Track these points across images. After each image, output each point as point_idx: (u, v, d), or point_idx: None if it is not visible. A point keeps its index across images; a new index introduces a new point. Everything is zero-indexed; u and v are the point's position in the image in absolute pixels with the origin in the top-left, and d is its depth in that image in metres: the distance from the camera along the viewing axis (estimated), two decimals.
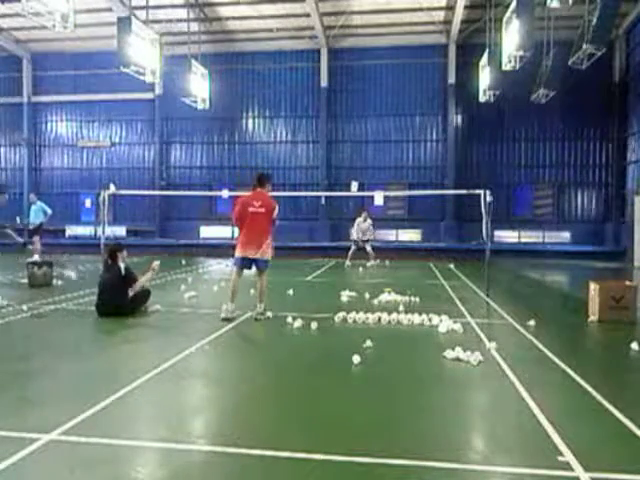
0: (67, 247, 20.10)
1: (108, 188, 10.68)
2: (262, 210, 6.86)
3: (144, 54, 16.63)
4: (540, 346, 5.51)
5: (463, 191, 14.34)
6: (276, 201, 7.15)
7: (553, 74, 16.38)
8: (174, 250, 19.77)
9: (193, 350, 5.21)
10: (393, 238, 21.77)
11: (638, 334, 6.04)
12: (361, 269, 14.37)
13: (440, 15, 20.31)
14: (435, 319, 6.62)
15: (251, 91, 23.17)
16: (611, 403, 3.73)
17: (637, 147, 19.00)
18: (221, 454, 2.96)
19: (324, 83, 22.25)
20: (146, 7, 17.81)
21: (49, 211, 13.41)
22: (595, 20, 12.41)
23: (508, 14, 15.42)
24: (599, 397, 3.88)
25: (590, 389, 4.07)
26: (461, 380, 4.42)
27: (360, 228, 15.31)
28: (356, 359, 4.76)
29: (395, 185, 22.15)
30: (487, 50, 18.61)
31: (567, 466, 2.80)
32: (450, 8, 19.48)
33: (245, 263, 6.92)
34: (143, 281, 7.36)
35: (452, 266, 15.16)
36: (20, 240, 8.73)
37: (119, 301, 6.98)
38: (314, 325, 6.36)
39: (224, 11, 20.74)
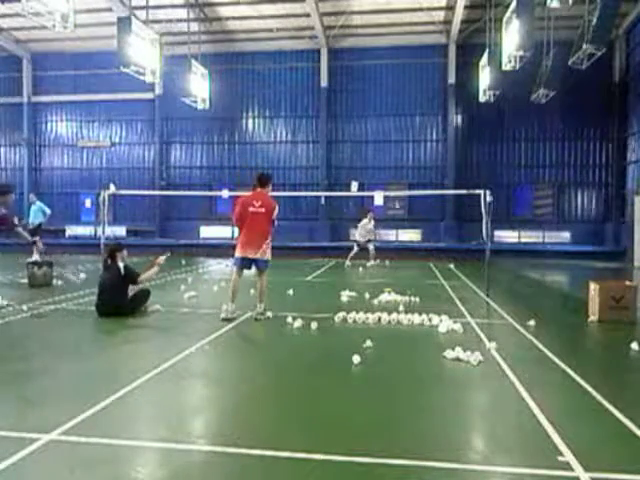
0: (67, 247, 20.10)
1: (108, 188, 10.68)
2: (262, 210, 6.86)
3: (144, 54, 16.63)
4: (540, 346, 5.51)
5: (463, 191, 14.35)
6: (276, 201, 7.15)
7: (553, 74, 16.38)
8: (174, 250, 19.70)
9: (193, 350, 5.21)
10: (393, 238, 21.77)
11: (638, 334, 6.04)
12: (361, 269, 14.37)
13: (440, 15, 20.31)
14: (435, 319, 6.62)
15: (251, 91, 23.17)
16: (611, 403, 3.73)
17: (637, 147, 19.00)
18: (221, 454, 2.96)
19: (324, 83, 22.25)
20: (146, 7, 17.82)
21: (48, 211, 13.40)
22: (595, 20, 12.41)
23: (508, 14, 15.42)
24: (599, 397, 3.88)
25: (590, 389, 4.07)
26: (461, 380, 4.42)
27: (365, 229, 15.33)
28: (356, 359, 4.76)
29: (395, 185, 22.16)
30: (487, 50, 18.61)
31: (567, 466, 2.80)
32: (450, 8, 19.48)
33: (245, 263, 6.92)
34: (148, 275, 7.35)
35: (452, 266, 15.16)
36: (30, 239, 8.72)
37: (119, 301, 6.98)
38: (314, 325, 6.36)
39: (224, 11, 20.75)
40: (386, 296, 8.65)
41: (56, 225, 22.32)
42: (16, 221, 8.11)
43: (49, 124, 24.65)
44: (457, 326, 6.25)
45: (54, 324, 6.64)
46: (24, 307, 7.43)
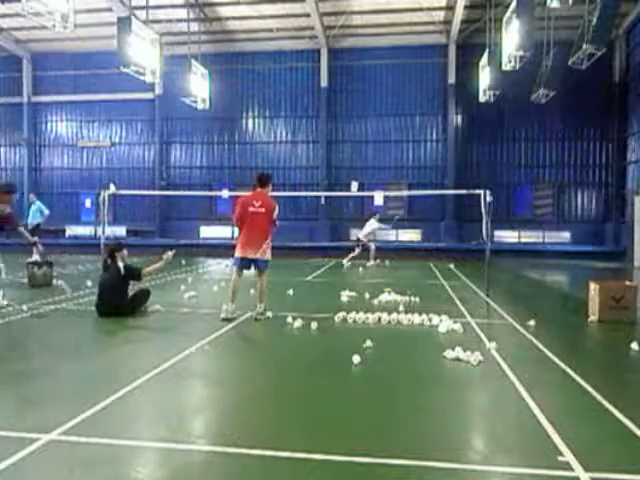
0: (67, 247, 20.09)
1: (108, 188, 10.68)
2: (262, 210, 6.85)
3: (144, 54, 16.63)
4: (540, 346, 5.51)
5: (463, 191, 14.35)
6: (276, 201, 7.15)
7: (553, 74, 16.38)
8: (174, 250, 19.72)
9: (193, 350, 5.21)
10: (393, 238, 21.77)
11: (638, 334, 6.04)
12: (361, 269, 14.37)
13: (440, 15, 20.31)
14: (435, 319, 6.62)
15: (251, 91, 23.17)
16: (611, 403, 3.73)
17: (637, 147, 19.00)
18: (221, 454, 2.96)
19: (324, 83, 22.25)
20: (146, 7, 17.82)
21: (46, 212, 13.40)
22: (595, 20, 12.41)
23: (508, 14, 15.42)
24: (599, 397, 3.88)
25: (590, 389, 4.07)
26: (461, 380, 4.42)
27: (372, 229, 15.37)
28: (356, 359, 4.76)
29: (395, 185, 22.16)
30: (487, 50, 18.61)
31: (567, 466, 2.80)
32: (450, 8, 19.48)
33: (245, 263, 6.91)
34: (153, 269, 7.36)
35: (452, 266, 15.16)
36: (31, 240, 8.71)
37: (119, 301, 6.98)
38: (314, 325, 6.36)
39: (224, 11, 20.75)
40: (386, 296, 8.65)
41: (56, 225, 22.33)
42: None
43: (49, 124, 24.65)
44: (457, 326, 6.25)
45: (54, 324, 6.64)
46: (24, 307, 7.43)
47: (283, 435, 3.24)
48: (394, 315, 6.83)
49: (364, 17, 20.55)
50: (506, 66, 15.91)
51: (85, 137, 24.39)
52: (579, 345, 6.12)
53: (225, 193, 15.33)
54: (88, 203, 24.14)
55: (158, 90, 23.00)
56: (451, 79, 21.48)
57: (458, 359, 4.90)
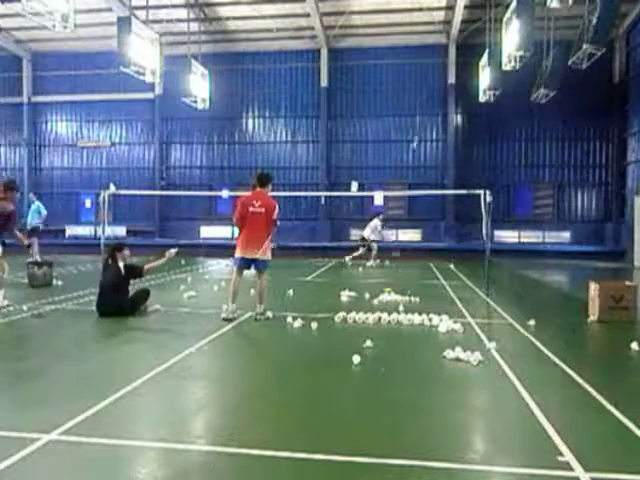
0: (67, 247, 20.09)
1: (108, 188, 10.68)
2: (262, 210, 6.85)
3: (144, 54, 16.62)
4: (540, 346, 5.51)
5: (463, 191, 14.34)
6: (276, 201, 7.14)
7: (553, 74, 16.37)
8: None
9: (193, 350, 5.21)
10: (393, 238, 21.76)
11: (638, 334, 6.04)
12: (361, 269, 14.38)
13: (440, 15, 20.30)
14: (435, 319, 6.62)
15: (251, 91, 23.16)
16: (611, 403, 3.73)
17: (637, 147, 18.99)
18: (221, 454, 2.96)
19: (324, 83, 22.24)
20: (146, 7, 17.81)
21: (44, 212, 13.41)
22: (595, 20, 12.39)
23: (508, 14, 15.41)
24: (599, 397, 3.88)
25: (590, 389, 4.07)
26: (461, 380, 4.42)
27: (372, 228, 15.42)
28: (356, 359, 4.76)
29: (395, 185, 22.15)
30: (487, 50, 18.60)
31: (567, 466, 2.80)
32: (450, 8, 19.47)
33: (245, 263, 6.92)
34: (155, 265, 7.38)
35: (452, 266, 15.16)
36: (25, 243, 8.69)
37: (119, 301, 6.98)
38: (314, 325, 6.37)
39: (224, 11, 20.74)
40: (386, 296, 8.65)
41: (56, 225, 22.33)
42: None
43: (49, 124, 24.64)
44: (457, 326, 6.25)
45: (54, 324, 6.64)
46: (24, 307, 7.44)
47: (283, 435, 3.24)
48: (394, 315, 6.83)
49: (364, 17, 20.54)
50: (506, 66, 15.90)
51: (85, 137, 24.37)
52: (579, 345, 6.12)
53: (225, 193, 15.33)
54: (88, 203, 24.13)
55: (158, 90, 22.99)
56: (451, 79, 21.47)
57: (458, 359, 4.90)
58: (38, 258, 10.61)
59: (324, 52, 22.12)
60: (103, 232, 10.12)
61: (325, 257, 17.93)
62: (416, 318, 6.72)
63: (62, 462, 2.86)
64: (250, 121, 23.33)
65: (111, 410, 3.58)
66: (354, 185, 15.46)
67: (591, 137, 21.23)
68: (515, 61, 15.29)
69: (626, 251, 17.71)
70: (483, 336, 5.92)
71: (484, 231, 9.33)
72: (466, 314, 7.37)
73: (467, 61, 20.98)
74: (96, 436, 3.12)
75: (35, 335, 6.04)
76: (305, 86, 22.81)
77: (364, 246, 15.37)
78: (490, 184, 14.57)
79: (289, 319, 6.66)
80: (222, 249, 17.67)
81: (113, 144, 24.19)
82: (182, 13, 20.11)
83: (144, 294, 7.39)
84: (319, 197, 21.69)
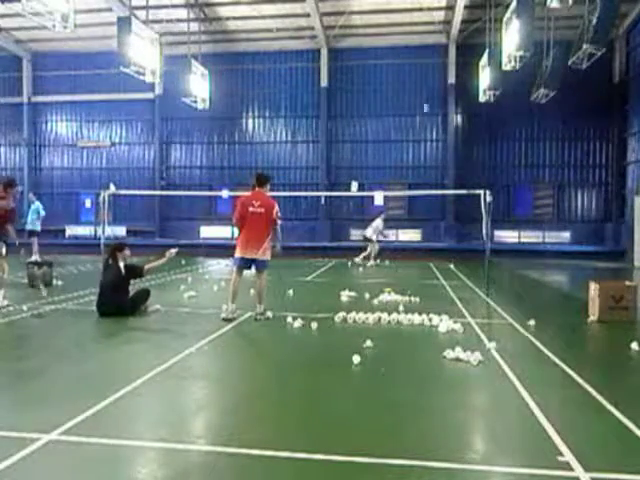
0: (67, 247, 20.08)
1: (108, 188, 10.68)
2: (261, 210, 6.85)
3: (144, 54, 16.62)
4: (540, 346, 5.50)
5: (463, 191, 14.35)
6: (276, 201, 7.15)
7: (553, 74, 16.37)
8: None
9: (193, 350, 5.21)
10: (393, 238, 21.76)
11: (638, 334, 6.04)
12: (361, 269, 14.38)
13: (440, 15, 20.30)
14: (435, 319, 6.61)
15: (251, 91, 23.16)
16: (611, 403, 3.73)
17: (637, 147, 18.99)
18: (221, 454, 2.96)
19: (324, 83, 22.25)
20: (146, 7, 17.81)
21: (42, 213, 13.41)
22: (595, 20, 12.39)
23: (508, 14, 15.42)
24: (599, 397, 3.88)
25: (590, 389, 4.07)
26: (461, 380, 4.42)
27: (374, 227, 15.46)
28: (356, 359, 4.76)
29: (395, 185, 22.15)
30: (487, 50, 18.60)
31: (567, 466, 2.80)
32: (450, 8, 19.48)
33: (244, 263, 6.92)
34: (156, 265, 7.39)
35: (452, 266, 15.16)
36: (17, 241, 8.64)
37: (119, 301, 6.98)
38: (314, 325, 6.37)
39: (224, 11, 20.74)
40: (386, 296, 8.65)
41: (56, 225, 22.33)
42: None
43: (49, 124, 24.64)
44: (457, 326, 6.25)
45: (54, 324, 6.64)
46: (24, 307, 7.43)
47: (283, 435, 3.24)
48: (394, 315, 6.83)
49: (364, 17, 20.54)
50: (506, 66, 15.90)
51: (85, 137, 24.37)
52: (579, 345, 6.12)
53: (225, 193, 15.35)
54: (88, 203, 24.13)
55: (158, 90, 22.99)
56: (451, 79, 21.47)
57: (458, 359, 4.90)
58: (38, 258, 10.61)
59: (324, 52, 22.13)
60: (103, 232, 10.12)
61: (325, 257, 17.93)
62: (416, 318, 6.72)
63: (62, 462, 2.86)
64: (250, 121, 23.34)
65: (111, 410, 3.58)
66: (354, 185, 15.48)
67: (591, 137, 21.24)
68: (515, 61, 15.29)
69: (626, 251, 17.70)
70: (483, 336, 5.92)
71: (484, 231, 9.33)
72: (466, 314, 7.37)
73: (467, 61, 20.99)
74: (96, 436, 3.12)
75: (35, 335, 6.04)
76: (305, 86, 22.81)
77: (370, 242, 15.51)
78: (490, 184, 14.59)
79: (289, 319, 6.66)
80: (222, 249, 17.67)
81: (113, 144, 24.19)
82: (182, 13, 20.11)
83: (144, 294, 7.39)
84: (319, 197, 21.69)
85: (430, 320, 6.63)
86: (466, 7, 18.62)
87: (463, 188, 16.24)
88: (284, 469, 2.80)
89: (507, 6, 15.75)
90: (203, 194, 22.58)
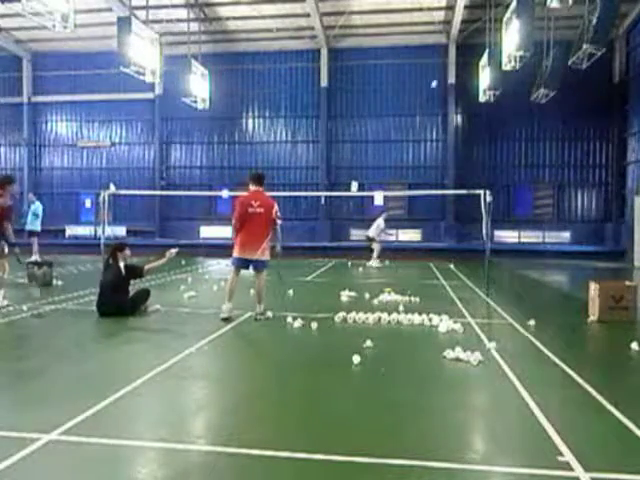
0: (67, 247, 20.08)
1: (108, 188, 10.68)
2: (261, 210, 6.84)
3: (144, 54, 16.62)
4: (540, 346, 5.50)
5: (463, 191, 14.35)
6: (275, 200, 7.14)
7: (553, 74, 16.37)
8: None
9: (193, 350, 5.21)
10: (393, 238, 21.76)
11: (638, 334, 6.04)
12: (361, 269, 14.38)
13: (440, 15, 20.30)
14: (435, 319, 6.61)
15: (251, 91, 23.16)
16: (611, 403, 3.73)
17: (637, 147, 18.99)
18: (221, 454, 2.96)
19: (324, 83, 22.25)
20: (146, 7, 17.81)
21: (40, 213, 13.41)
22: (595, 20, 12.39)
23: (508, 14, 15.42)
24: (599, 397, 3.88)
25: (590, 389, 4.07)
26: (461, 380, 4.42)
27: (378, 227, 15.51)
28: (356, 359, 4.76)
29: (395, 185, 22.16)
30: (487, 50, 18.60)
31: (567, 466, 2.80)
32: (450, 8, 19.48)
33: (242, 263, 6.91)
34: (156, 265, 7.39)
35: (452, 266, 15.16)
36: (13, 240, 8.60)
37: (120, 301, 6.98)
38: (314, 325, 6.37)
39: (224, 11, 20.74)
40: (386, 296, 8.65)
41: (56, 225, 22.33)
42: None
43: (49, 124, 24.64)
44: (457, 326, 6.25)
45: (54, 324, 6.64)
46: (24, 307, 7.43)
47: (283, 435, 3.24)
48: (394, 315, 6.83)
49: (364, 17, 20.54)
50: (506, 66, 15.90)
51: (85, 137, 24.37)
52: (579, 345, 6.12)
53: (225, 193, 15.34)
54: (88, 203, 24.13)
55: (158, 90, 22.99)
56: (451, 79, 21.47)
57: (458, 359, 4.90)
58: (38, 258, 10.62)
59: (324, 52, 22.13)
60: (103, 232, 10.12)
61: (325, 257, 17.93)
62: (416, 318, 6.72)
63: (62, 462, 2.86)
64: (250, 121, 23.34)
65: (111, 410, 3.58)
66: (354, 185, 15.47)
67: (591, 137, 21.24)
68: (515, 61, 15.29)
69: (626, 251, 17.70)
70: (483, 336, 5.92)
71: (484, 231, 9.33)
72: (466, 314, 7.37)
73: (467, 61, 20.99)
74: (96, 436, 3.12)
75: (35, 335, 6.04)
76: (305, 86, 22.81)
77: (372, 241, 15.57)
78: (490, 184, 14.59)
79: (289, 319, 6.65)
80: (222, 249, 17.63)
81: (113, 144, 24.19)
82: (182, 13, 20.11)
83: (144, 294, 7.39)
84: (319, 197, 21.70)
85: (430, 320, 6.63)
86: (466, 7, 18.62)
87: (463, 188, 16.24)
88: (284, 469, 2.80)
89: (507, 6, 15.75)
90: (203, 194, 22.58)
